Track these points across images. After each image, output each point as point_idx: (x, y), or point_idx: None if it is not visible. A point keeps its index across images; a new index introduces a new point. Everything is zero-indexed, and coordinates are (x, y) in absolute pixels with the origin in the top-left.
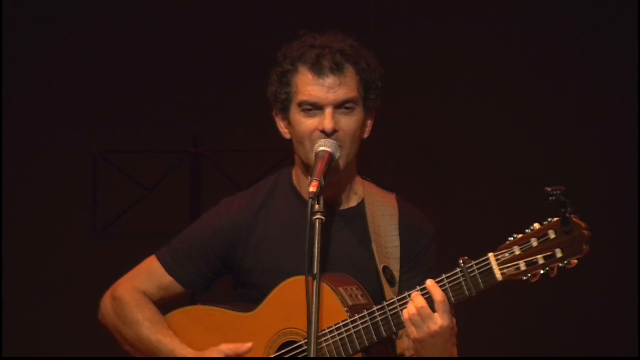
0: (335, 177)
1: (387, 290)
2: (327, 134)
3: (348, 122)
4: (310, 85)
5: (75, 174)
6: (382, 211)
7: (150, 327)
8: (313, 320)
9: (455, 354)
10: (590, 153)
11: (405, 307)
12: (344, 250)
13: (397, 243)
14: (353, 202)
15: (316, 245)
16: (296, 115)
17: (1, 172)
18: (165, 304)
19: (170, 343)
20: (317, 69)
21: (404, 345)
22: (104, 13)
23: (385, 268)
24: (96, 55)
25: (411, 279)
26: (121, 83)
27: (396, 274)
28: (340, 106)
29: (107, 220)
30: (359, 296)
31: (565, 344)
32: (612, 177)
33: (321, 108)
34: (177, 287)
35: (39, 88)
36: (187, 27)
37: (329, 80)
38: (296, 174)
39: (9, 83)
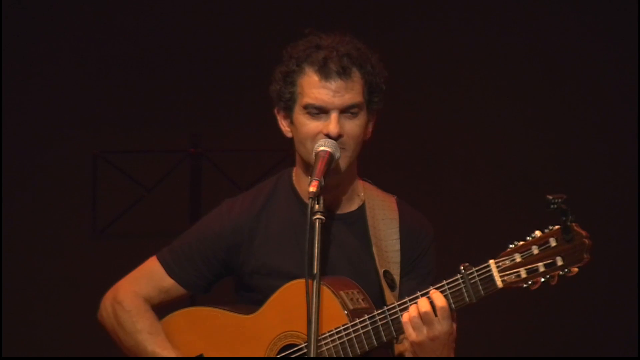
0: (335, 179)
1: (388, 294)
2: (332, 139)
3: (352, 126)
4: (317, 89)
5: (75, 174)
6: (382, 215)
7: (149, 339)
8: (313, 320)
9: (452, 357)
10: (591, 153)
11: (406, 311)
12: (344, 254)
13: (398, 247)
14: (354, 206)
15: (316, 245)
16: (300, 117)
17: (1, 172)
18: (165, 306)
19: (167, 356)
20: (325, 73)
21: (401, 347)
22: (104, 13)
23: (385, 272)
24: (96, 55)
25: (410, 281)
26: (121, 83)
27: (396, 278)
28: (345, 110)
29: (107, 220)
30: (360, 300)
31: (565, 344)
32: (613, 177)
33: (326, 112)
34: (178, 290)
35: (39, 88)
36: (187, 27)
37: (336, 84)
38: (296, 174)
39: (9, 83)
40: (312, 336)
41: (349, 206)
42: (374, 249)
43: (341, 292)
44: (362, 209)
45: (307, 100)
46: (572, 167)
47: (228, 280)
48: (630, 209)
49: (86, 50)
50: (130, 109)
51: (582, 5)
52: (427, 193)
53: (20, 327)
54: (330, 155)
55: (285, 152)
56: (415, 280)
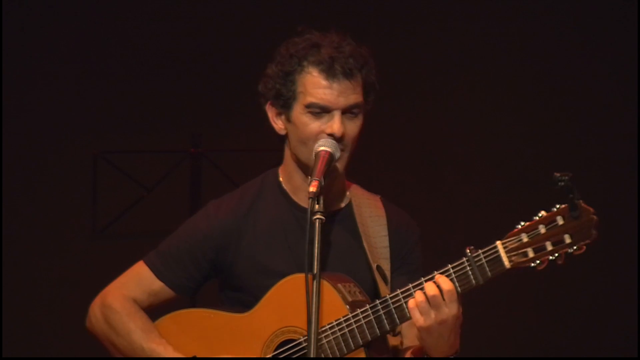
0: (331, 179)
1: (383, 288)
2: (335, 139)
3: (352, 126)
4: (322, 89)
5: (75, 174)
6: (369, 212)
7: (143, 337)
8: (313, 320)
9: (457, 344)
10: (591, 153)
11: (411, 297)
12: (335, 251)
13: (387, 244)
14: (341, 204)
15: (316, 244)
16: (302, 117)
17: (1, 172)
18: (154, 308)
19: (164, 352)
20: (331, 73)
21: (395, 342)
22: (104, 13)
23: (378, 267)
24: (96, 55)
25: (400, 276)
26: (121, 83)
27: (388, 273)
28: (347, 111)
29: (107, 220)
30: (357, 293)
31: (565, 343)
32: (612, 176)
33: (328, 111)
34: (167, 292)
35: (39, 89)
36: (187, 27)
37: (341, 84)
38: (285, 173)
39: (9, 83)
40: (312, 336)
41: (337, 204)
42: (365, 245)
43: (339, 285)
44: (349, 206)
45: (311, 99)
46: (572, 167)
47: (215, 280)
48: (630, 209)
49: (86, 50)
50: (130, 109)
51: (582, 6)
52: (426, 193)
53: (20, 327)
54: (331, 155)
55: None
56: (405, 275)
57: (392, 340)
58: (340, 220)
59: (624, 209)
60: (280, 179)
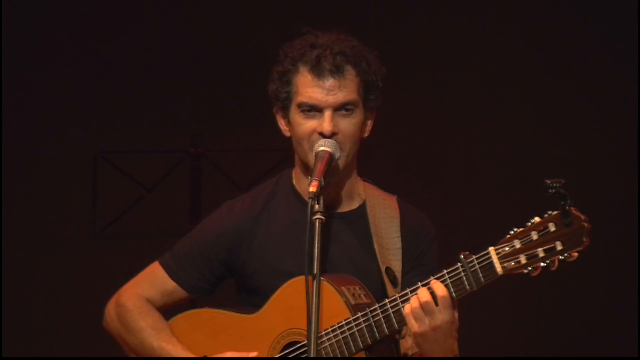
0: (334, 178)
1: (390, 290)
2: (325, 137)
3: (347, 124)
4: (310, 87)
5: (75, 174)
6: (383, 213)
7: (153, 335)
8: (313, 320)
9: (455, 348)
10: (591, 153)
11: (408, 303)
12: (345, 252)
13: (399, 245)
14: (354, 204)
15: (316, 245)
16: (296, 116)
17: (1, 172)
18: (169, 308)
19: (173, 350)
20: (317, 71)
21: (407, 344)
22: (104, 13)
23: (387, 269)
24: (96, 55)
25: (413, 278)
26: (121, 83)
27: (398, 275)
28: (339, 108)
29: (107, 220)
30: (362, 296)
31: (565, 343)
32: (613, 177)
33: (320, 110)
34: (180, 293)
35: (39, 88)
36: (187, 27)
37: (329, 82)
38: (296, 175)
39: (9, 83)
40: (312, 336)
41: (349, 205)
42: (376, 246)
43: (343, 288)
44: (362, 207)
45: (301, 98)
46: (572, 167)
47: (231, 282)
48: (630, 209)
49: (86, 50)
50: (130, 109)
51: (583, 5)
52: (426, 193)
53: (20, 327)
54: (330, 156)
55: (285, 152)
56: (418, 277)
57: (403, 343)
58: (352, 221)
59: (624, 209)
60: (293, 179)
